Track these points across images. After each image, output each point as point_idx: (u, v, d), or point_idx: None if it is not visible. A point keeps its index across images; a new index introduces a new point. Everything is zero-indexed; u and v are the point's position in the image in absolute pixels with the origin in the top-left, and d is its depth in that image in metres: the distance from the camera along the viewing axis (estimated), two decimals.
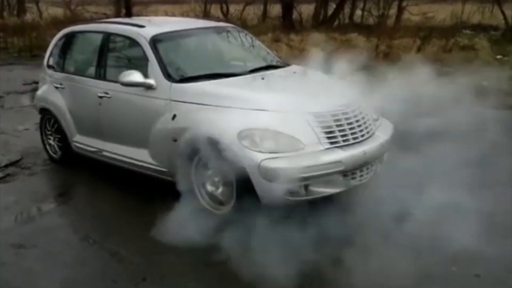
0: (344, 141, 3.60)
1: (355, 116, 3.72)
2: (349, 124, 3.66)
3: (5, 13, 21.76)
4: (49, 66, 5.29)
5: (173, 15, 15.51)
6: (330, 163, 3.45)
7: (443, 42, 11.65)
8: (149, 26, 4.46)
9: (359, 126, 3.72)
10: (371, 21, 18.12)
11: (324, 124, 3.55)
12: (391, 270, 2.97)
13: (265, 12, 19.53)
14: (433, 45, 11.53)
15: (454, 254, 3.11)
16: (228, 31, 4.93)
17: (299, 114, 3.52)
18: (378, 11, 18.23)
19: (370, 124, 3.88)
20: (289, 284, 2.92)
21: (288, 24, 16.60)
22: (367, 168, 3.75)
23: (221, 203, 3.69)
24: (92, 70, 4.65)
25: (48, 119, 5.27)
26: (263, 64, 4.50)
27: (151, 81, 3.99)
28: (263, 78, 4.04)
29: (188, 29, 4.67)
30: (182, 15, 17.08)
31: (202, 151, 3.61)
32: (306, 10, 18.27)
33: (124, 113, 4.29)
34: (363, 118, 3.80)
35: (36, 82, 8.68)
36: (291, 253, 3.19)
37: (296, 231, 3.37)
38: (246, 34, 5.01)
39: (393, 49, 10.64)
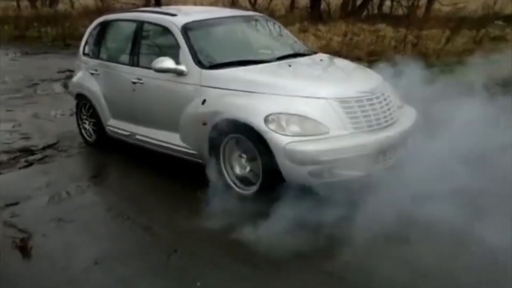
0: (368, 126, 3.72)
1: (379, 102, 3.83)
2: (373, 110, 3.77)
3: (38, 3, 22.33)
4: (84, 54, 5.53)
5: (201, 5, 15.65)
6: (354, 146, 3.58)
7: (474, 33, 11.52)
8: (180, 15, 4.63)
9: (383, 112, 3.83)
10: (400, 11, 17.99)
11: (349, 110, 3.67)
12: None
13: (293, 2, 19.55)
14: (462, 36, 11.42)
15: None
16: (256, 20, 5.07)
17: (324, 99, 3.65)
18: (408, 2, 18.10)
19: (394, 111, 3.99)
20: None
21: (316, 14, 16.59)
22: (391, 153, 3.86)
23: (248, 184, 3.85)
24: (125, 57, 4.86)
25: (83, 104, 5.51)
26: (291, 51, 4.63)
27: (182, 67, 4.17)
28: (290, 65, 4.18)
29: (218, 18, 4.84)
30: (211, 5, 17.22)
31: (230, 134, 3.78)
32: (334, 0, 18.23)
33: (157, 98, 4.48)
34: (387, 104, 3.91)
35: (70, 70, 9.05)
36: (310, 233, 3.34)
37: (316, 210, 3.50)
38: (274, 23, 5.14)
39: (422, 40, 10.55)
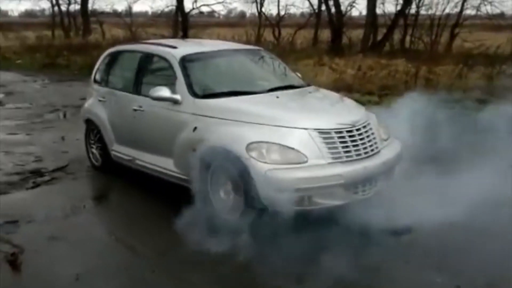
0: (347, 156, 3.87)
1: (359, 134, 3.98)
2: (353, 141, 3.92)
3: (71, 33, 23.34)
4: (95, 81, 5.87)
5: (225, 38, 16.17)
6: (331, 176, 3.73)
7: (489, 70, 11.56)
8: (181, 47, 4.92)
9: (363, 143, 3.98)
10: (422, 47, 18.13)
11: (328, 140, 3.84)
12: None
13: (315, 36, 19.96)
14: (477, 72, 11.47)
15: None
16: (254, 53, 5.32)
17: (305, 130, 3.83)
18: (430, 38, 18.25)
19: (376, 143, 4.12)
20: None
21: (336, 48, 16.92)
22: (370, 184, 3.98)
23: (232, 209, 4.01)
24: (129, 85, 5.15)
25: (92, 129, 5.81)
26: (283, 84, 4.84)
27: (177, 96, 4.42)
28: (277, 97, 4.38)
29: (216, 51, 5.11)
30: (233, 37, 17.75)
31: (217, 161, 3.98)
32: (356, 34, 18.51)
33: (154, 124, 4.73)
34: (368, 136, 4.05)
35: None
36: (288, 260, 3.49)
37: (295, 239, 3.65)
38: (271, 57, 5.38)
39: (435, 75, 10.66)
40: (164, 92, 4.44)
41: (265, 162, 3.70)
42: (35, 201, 4.89)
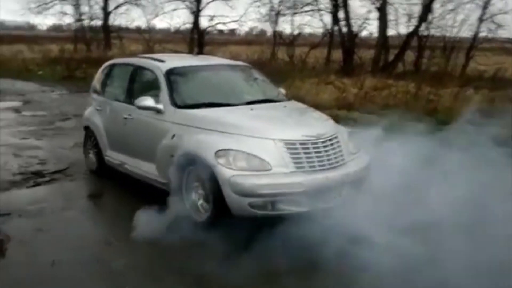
0: (310, 166, 4.16)
1: (324, 146, 4.27)
2: (317, 152, 4.21)
3: (93, 47, 24.16)
4: (94, 91, 6.31)
5: (236, 55, 16.61)
6: (292, 183, 4.03)
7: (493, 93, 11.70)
8: (169, 61, 5.31)
9: (327, 155, 4.26)
10: (436, 69, 18.23)
11: (292, 151, 4.14)
12: None
13: (328, 55, 20.27)
14: (481, 95, 11.63)
15: None
16: (239, 69, 5.70)
17: (271, 140, 4.15)
18: (445, 60, 18.37)
19: (342, 155, 4.40)
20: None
21: (347, 68, 17.19)
22: (334, 193, 4.25)
23: (201, 211, 4.34)
24: (122, 95, 5.58)
25: (89, 136, 6.23)
26: (262, 98, 5.17)
27: (160, 106, 4.80)
28: (252, 109, 4.72)
29: (201, 65, 5.51)
30: (246, 55, 18.19)
31: (190, 166, 4.32)
32: (369, 55, 18.74)
33: (140, 132, 5.12)
34: (333, 149, 4.34)
35: None
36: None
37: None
38: (255, 72, 5.74)
39: (436, 96, 10.87)
40: (149, 101, 4.82)
41: (231, 168, 4.02)
42: (31, 198, 5.30)
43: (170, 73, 5.02)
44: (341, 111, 9.97)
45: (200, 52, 19.60)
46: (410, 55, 18.53)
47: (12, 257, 3.89)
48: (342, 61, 18.09)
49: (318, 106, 9.70)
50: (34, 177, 6.05)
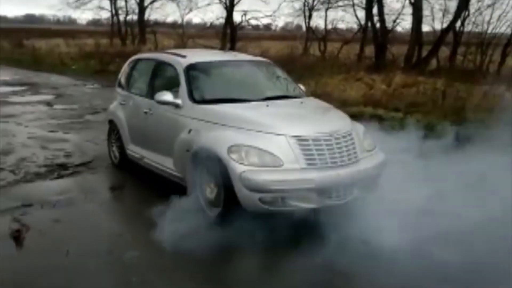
0: (322, 163, 4.13)
1: (337, 143, 4.23)
2: (329, 149, 4.18)
3: (128, 42, 24.60)
4: (119, 86, 6.43)
5: (267, 50, 16.59)
6: (303, 180, 4.01)
7: None
8: (190, 57, 5.35)
9: (340, 152, 4.23)
10: (472, 66, 17.78)
11: (304, 147, 4.12)
12: None
13: (361, 51, 20.04)
14: None
15: None
16: (260, 65, 5.69)
17: (283, 136, 4.14)
18: (481, 56, 17.89)
19: (355, 152, 4.36)
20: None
21: (379, 64, 16.93)
22: (345, 190, 4.22)
23: (214, 206, 4.37)
24: (144, 90, 5.66)
25: (113, 129, 6.35)
26: (279, 94, 5.16)
27: (178, 101, 4.86)
28: (267, 105, 4.71)
29: (222, 60, 5.53)
30: (276, 50, 18.15)
31: (204, 161, 4.36)
32: (403, 51, 18.40)
33: (160, 126, 5.19)
34: (347, 146, 4.30)
35: None
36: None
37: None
38: (275, 68, 5.72)
39: (466, 93, 10.59)
40: (167, 96, 4.89)
41: (242, 164, 4.03)
42: (54, 190, 5.46)
43: (190, 68, 5.06)
44: (367, 108, 9.83)
45: (232, 47, 19.71)
46: (444, 51, 18.14)
47: (29, 246, 4.02)
48: (374, 57, 17.83)
49: (344, 103, 9.72)
50: (59, 170, 6.22)
